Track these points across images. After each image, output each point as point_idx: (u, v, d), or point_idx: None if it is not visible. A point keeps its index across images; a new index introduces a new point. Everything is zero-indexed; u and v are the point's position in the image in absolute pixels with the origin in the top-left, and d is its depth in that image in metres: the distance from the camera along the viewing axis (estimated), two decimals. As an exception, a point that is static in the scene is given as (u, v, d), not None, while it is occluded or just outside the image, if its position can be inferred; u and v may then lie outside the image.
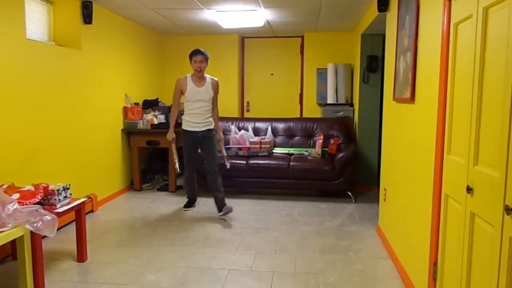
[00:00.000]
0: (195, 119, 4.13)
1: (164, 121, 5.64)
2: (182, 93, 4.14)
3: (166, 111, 5.82)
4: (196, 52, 4.09)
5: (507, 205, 1.44)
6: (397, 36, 3.18)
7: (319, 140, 5.19)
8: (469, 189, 1.77)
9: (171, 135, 4.29)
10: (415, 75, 2.67)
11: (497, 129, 1.55)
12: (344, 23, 5.41)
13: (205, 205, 4.67)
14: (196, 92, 4.10)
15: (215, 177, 4.20)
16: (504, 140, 1.48)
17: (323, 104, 6.00)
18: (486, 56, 1.67)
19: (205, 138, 4.19)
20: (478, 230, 1.71)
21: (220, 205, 4.16)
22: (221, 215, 4.15)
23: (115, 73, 4.93)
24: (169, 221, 4.11)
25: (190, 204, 4.53)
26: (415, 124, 2.67)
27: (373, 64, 5.15)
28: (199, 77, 4.13)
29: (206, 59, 4.11)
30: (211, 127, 4.23)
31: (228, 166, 4.41)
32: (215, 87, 4.21)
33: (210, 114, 4.22)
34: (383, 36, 4.78)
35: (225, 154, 4.44)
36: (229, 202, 4.47)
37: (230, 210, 4.14)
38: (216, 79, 4.27)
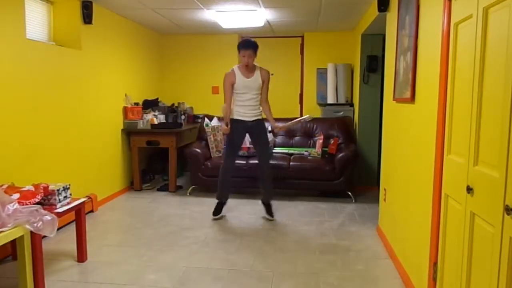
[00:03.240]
0: (244, 110, 4.01)
1: (164, 121, 5.65)
2: (233, 86, 3.98)
3: (167, 111, 5.83)
4: (245, 46, 3.88)
5: (507, 205, 1.44)
6: (397, 36, 3.18)
7: (319, 140, 5.19)
8: (469, 189, 1.77)
9: (227, 129, 3.95)
10: (415, 75, 2.67)
11: (497, 129, 1.55)
12: (344, 23, 5.42)
13: (205, 204, 4.67)
14: (245, 83, 3.97)
15: (265, 175, 4.13)
16: (504, 140, 1.48)
17: (323, 104, 6.00)
18: (486, 56, 1.67)
19: (255, 130, 4.07)
20: (478, 230, 1.71)
21: (268, 209, 4.21)
22: (268, 218, 4.17)
23: (115, 73, 4.94)
24: (169, 221, 4.11)
25: (219, 208, 4.21)
26: (415, 124, 2.67)
27: (373, 64, 5.15)
28: (247, 68, 3.99)
29: (255, 51, 3.94)
30: (261, 117, 4.11)
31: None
32: (265, 76, 4.03)
33: (259, 105, 4.09)
34: (383, 36, 4.78)
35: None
36: (229, 202, 4.49)
37: (270, 214, 4.19)
38: (266, 69, 4.09)
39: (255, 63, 4.02)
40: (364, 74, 5.23)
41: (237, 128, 4.05)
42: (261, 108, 4.13)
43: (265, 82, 4.06)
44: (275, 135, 5.52)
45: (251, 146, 5.11)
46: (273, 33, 6.20)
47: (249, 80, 4.00)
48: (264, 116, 4.15)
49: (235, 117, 4.06)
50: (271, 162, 4.84)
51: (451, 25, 2.08)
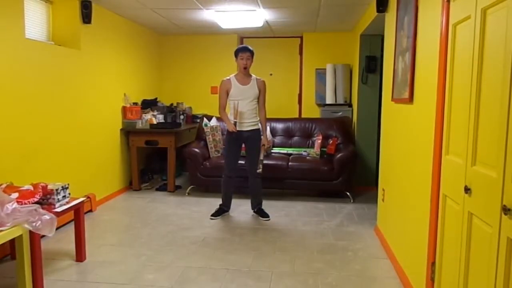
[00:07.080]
0: (239, 119, 4.00)
1: (162, 120, 5.66)
2: (227, 93, 4.03)
3: (165, 111, 5.83)
4: (243, 49, 3.99)
5: (504, 205, 1.44)
6: (396, 36, 3.19)
7: (318, 140, 5.20)
8: (467, 189, 1.78)
9: (233, 127, 3.94)
10: (414, 76, 2.67)
11: (495, 129, 1.56)
12: (343, 23, 5.42)
13: (204, 204, 4.68)
14: (241, 91, 3.99)
15: (254, 181, 4.21)
16: (502, 140, 1.49)
17: (322, 104, 6.01)
18: (484, 56, 1.68)
19: (249, 140, 4.09)
20: (476, 230, 1.72)
21: (260, 213, 4.24)
22: (264, 220, 4.16)
23: (114, 72, 4.93)
24: (167, 220, 4.12)
25: (220, 211, 4.26)
26: (413, 124, 2.68)
27: (372, 64, 5.16)
28: (244, 75, 4.04)
29: (252, 56, 4.02)
30: (257, 127, 4.13)
31: (259, 170, 4.14)
32: (261, 86, 4.08)
33: (255, 114, 4.11)
34: (382, 36, 4.79)
35: (261, 157, 4.16)
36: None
37: (264, 216, 4.20)
38: (262, 79, 4.15)
39: (251, 74, 4.08)
40: (363, 75, 5.24)
41: (232, 140, 4.08)
42: (257, 117, 4.16)
43: (262, 91, 4.12)
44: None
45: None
46: (272, 33, 6.20)
47: (245, 87, 4.02)
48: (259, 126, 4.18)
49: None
50: (270, 162, 4.86)
51: (449, 25, 2.09)
